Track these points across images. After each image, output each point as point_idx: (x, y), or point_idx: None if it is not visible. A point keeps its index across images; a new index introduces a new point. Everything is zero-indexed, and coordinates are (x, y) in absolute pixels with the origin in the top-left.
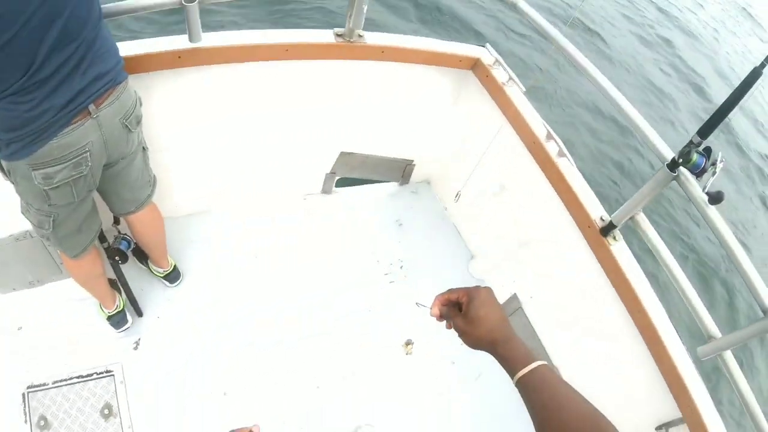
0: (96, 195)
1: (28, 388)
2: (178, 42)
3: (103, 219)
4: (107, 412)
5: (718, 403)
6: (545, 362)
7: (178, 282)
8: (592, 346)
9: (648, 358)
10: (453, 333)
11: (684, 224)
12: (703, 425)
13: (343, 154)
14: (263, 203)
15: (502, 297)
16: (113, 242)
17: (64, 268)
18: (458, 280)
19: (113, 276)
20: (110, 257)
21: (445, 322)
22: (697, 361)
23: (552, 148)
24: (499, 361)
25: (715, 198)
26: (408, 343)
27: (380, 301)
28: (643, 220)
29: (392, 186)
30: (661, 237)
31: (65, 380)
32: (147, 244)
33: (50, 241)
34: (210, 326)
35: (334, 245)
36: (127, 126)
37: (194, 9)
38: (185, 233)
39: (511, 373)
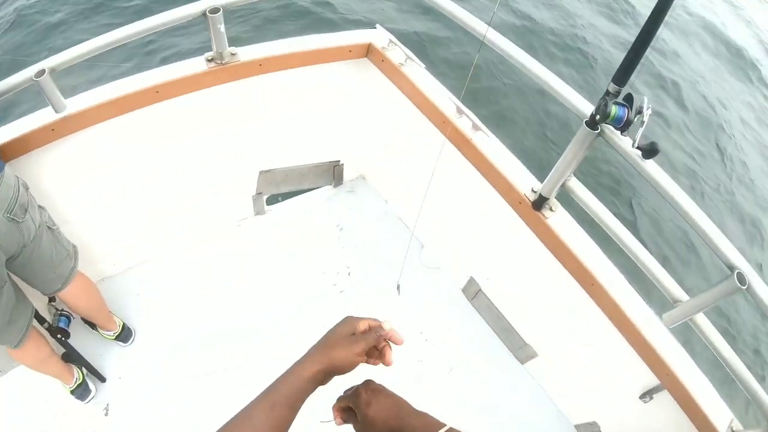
0: (21, 282)
1: None
2: (45, 116)
3: (39, 300)
4: None
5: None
6: (449, 426)
7: (131, 340)
8: (559, 322)
9: (613, 329)
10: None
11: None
12: (683, 389)
13: (262, 173)
14: (197, 240)
15: (459, 282)
16: (53, 321)
17: None
18: (411, 272)
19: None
20: (53, 336)
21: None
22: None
23: (464, 123)
24: None
25: (650, 151)
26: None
27: (333, 314)
28: (576, 185)
29: (327, 190)
30: (601, 200)
31: None
32: (87, 314)
33: None
34: (172, 374)
35: (275, 266)
36: (13, 219)
37: (47, 81)
38: (127, 289)
39: None
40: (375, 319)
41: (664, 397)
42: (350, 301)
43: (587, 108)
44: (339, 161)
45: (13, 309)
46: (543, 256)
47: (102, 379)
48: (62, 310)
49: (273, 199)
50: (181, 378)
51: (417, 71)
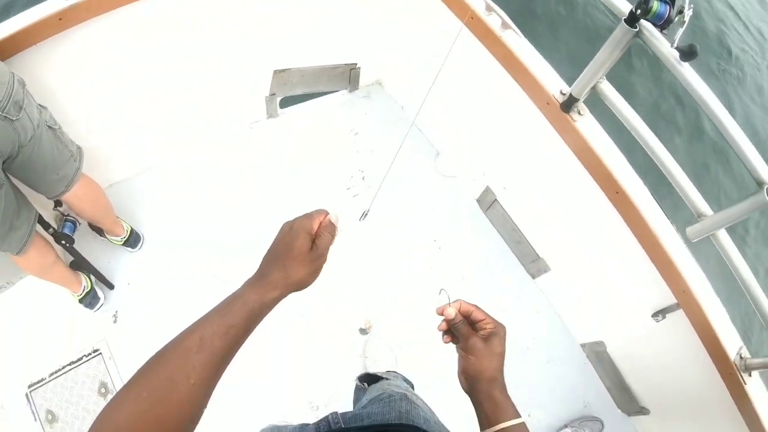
0: (24, 187)
1: (29, 387)
2: (53, 4)
3: (43, 206)
4: (104, 390)
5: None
6: (522, 420)
7: (139, 245)
8: (576, 234)
9: (634, 242)
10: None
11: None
12: (699, 309)
13: (277, 73)
14: (209, 143)
15: (475, 192)
16: (58, 227)
17: None
18: (426, 180)
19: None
20: (57, 242)
21: (442, 334)
22: (691, 243)
23: (494, 21)
24: (484, 403)
25: (688, 53)
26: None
27: (344, 220)
28: (607, 88)
29: (342, 95)
30: (632, 106)
31: (59, 370)
32: (93, 218)
33: None
34: (181, 280)
35: (288, 169)
36: (6, 117)
37: None
38: (135, 195)
39: (493, 419)
40: (320, 211)
41: (677, 317)
42: (364, 204)
43: (625, 6)
44: (356, 64)
45: (14, 214)
46: (567, 161)
47: (110, 287)
48: (68, 215)
49: (286, 103)
50: (191, 282)
51: None
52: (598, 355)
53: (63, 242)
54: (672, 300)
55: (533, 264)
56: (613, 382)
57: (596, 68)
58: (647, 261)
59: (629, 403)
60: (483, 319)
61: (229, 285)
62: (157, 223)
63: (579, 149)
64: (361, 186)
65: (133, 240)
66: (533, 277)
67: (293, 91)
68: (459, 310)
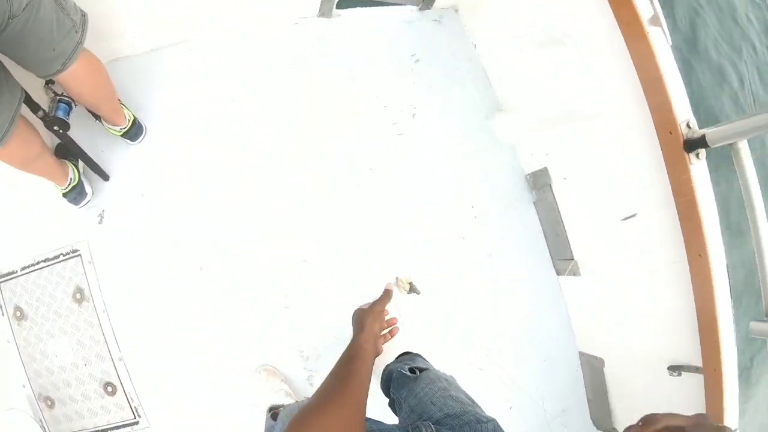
0: (11, 63)
1: None
2: None
3: (33, 84)
4: (79, 296)
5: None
6: None
7: (141, 138)
8: (625, 258)
9: (690, 304)
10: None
11: None
12: (719, 388)
13: None
14: (242, 30)
15: (529, 167)
16: (49, 109)
17: None
18: (478, 137)
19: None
20: (49, 128)
21: None
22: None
23: (644, 8)
24: None
25: None
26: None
27: (385, 158)
28: (744, 150)
29: (409, 11)
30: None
31: (33, 265)
32: (91, 103)
33: None
34: (181, 189)
35: (329, 84)
36: None
37: None
38: (146, 75)
39: None
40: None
41: (693, 381)
42: (405, 150)
43: None
44: None
45: None
46: (660, 197)
47: (106, 178)
48: (62, 94)
49: (344, 2)
50: (189, 195)
51: None
52: (593, 369)
53: (56, 128)
54: (697, 362)
55: (563, 262)
56: (596, 396)
57: (750, 127)
58: (693, 326)
59: (604, 420)
60: None
61: (227, 205)
62: (165, 114)
63: (680, 193)
64: (409, 124)
65: (134, 131)
66: (558, 273)
67: None
68: None
